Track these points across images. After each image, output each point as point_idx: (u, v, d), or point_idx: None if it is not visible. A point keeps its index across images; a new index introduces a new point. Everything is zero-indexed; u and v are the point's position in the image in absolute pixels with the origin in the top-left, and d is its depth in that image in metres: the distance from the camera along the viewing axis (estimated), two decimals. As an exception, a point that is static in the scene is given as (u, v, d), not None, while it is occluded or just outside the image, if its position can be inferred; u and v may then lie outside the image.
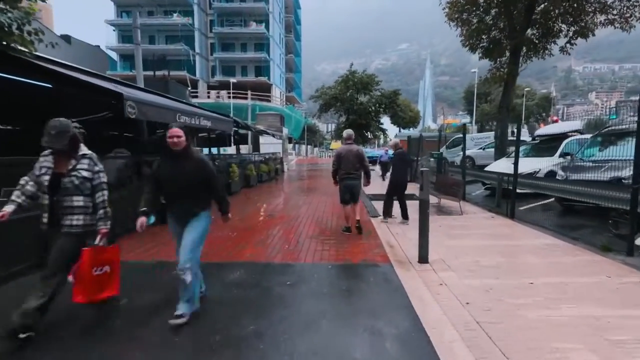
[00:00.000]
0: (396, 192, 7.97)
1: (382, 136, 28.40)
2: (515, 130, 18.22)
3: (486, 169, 11.39)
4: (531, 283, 4.17)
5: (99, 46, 52.90)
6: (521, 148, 12.39)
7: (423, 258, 4.99)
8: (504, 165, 10.54)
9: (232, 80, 40.74)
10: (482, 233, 6.74)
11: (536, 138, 12.16)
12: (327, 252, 5.62)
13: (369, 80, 24.03)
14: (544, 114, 61.47)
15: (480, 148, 18.02)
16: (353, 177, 6.72)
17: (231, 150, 18.04)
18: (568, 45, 13.51)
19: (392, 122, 56.72)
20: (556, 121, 62.35)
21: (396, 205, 8.06)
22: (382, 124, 26.94)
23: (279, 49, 59.17)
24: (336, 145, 67.64)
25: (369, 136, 26.42)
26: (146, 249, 5.69)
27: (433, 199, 10.24)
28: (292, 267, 4.93)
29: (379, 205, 9.16)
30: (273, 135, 19.81)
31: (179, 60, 51.07)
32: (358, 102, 24.67)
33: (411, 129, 67.66)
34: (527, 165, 9.52)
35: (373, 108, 24.62)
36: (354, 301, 3.83)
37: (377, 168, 18.34)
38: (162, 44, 51.73)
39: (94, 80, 5.76)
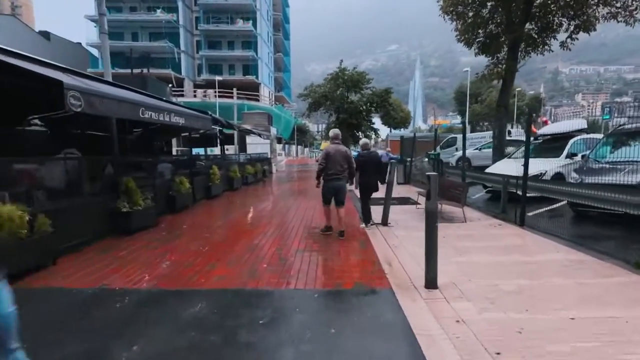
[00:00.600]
0: (368, 194, 7.52)
1: (373, 136, 27.47)
2: (512, 130, 17.53)
3: (488, 170, 10.57)
4: (572, 318, 3.28)
5: (80, 43, 51.33)
6: (521, 148, 11.67)
7: (431, 282, 4.06)
8: (506, 167, 9.72)
9: (218, 78, 39.53)
10: (493, 246, 5.85)
11: (538, 138, 11.39)
12: (314, 271, 4.69)
13: (360, 78, 23.10)
14: (534, 114, 61.29)
15: (477, 148, 17.23)
16: (339, 178, 6.50)
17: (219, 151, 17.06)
18: (569, 40, 12.76)
19: (383, 123, 56.00)
20: (546, 122, 62.27)
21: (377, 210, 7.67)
22: (373, 123, 26.03)
23: (267, 47, 58.03)
24: (326, 145, 66.12)
25: (360, 136, 25.46)
26: (93, 271, 4.69)
27: (452, 210, 9.40)
28: (269, 295, 3.97)
29: (376, 211, 8.29)
30: (260, 135, 18.80)
31: (163, 58, 49.72)
32: (348, 101, 23.76)
33: (402, 129, 67.10)
34: (532, 166, 8.70)
35: (364, 107, 23.73)
36: (345, 353, 2.89)
37: None
38: (146, 41, 50.33)
39: (28, 65, 4.72)
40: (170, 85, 17.87)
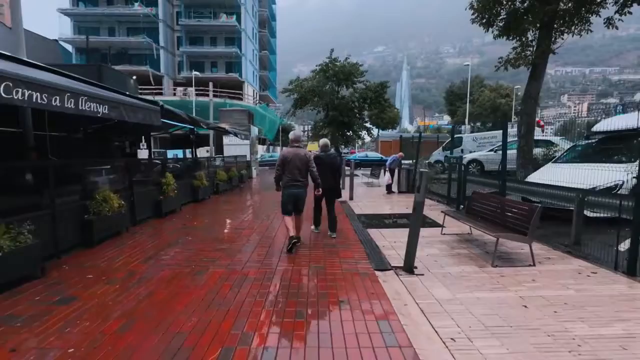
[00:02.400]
0: (326, 198, 6.89)
1: (366, 136, 24.88)
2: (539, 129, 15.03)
3: (530, 179, 8.00)
4: None
5: (57, 40, 47.93)
6: (559, 151, 9.26)
7: None
8: (557, 175, 7.18)
9: (196, 73, 36.74)
10: (627, 333, 3.22)
11: (591, 137, 8.88)
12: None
13: (352, 70, 20.44)
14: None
15: (491, 150, 14.72)
16: (299, 185, 6.02)
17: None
18: (617, 15, 10.28)
19: (371, 123, 53.41)
20: (539, 122, 60.64)
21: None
22: (366, 121, 23.35)
23: (252, 44, 55.21)
24: (313, 146, 63.89)
25: (352, 136, 22.82)
26: None
27: (460, 228, 6.79)
28: None
29: (389, 235, 5.72)
30: (235, 135, 16.02)
31: (141, 54, 46.79)
32: (339, 96, 21.13)
33: (390, 130, 64.60)
34: (597, 176, 6.16)
35: (356, 103, 21.10)
36: None
37: (385, 176, 14.66)
38: (124, 37, 47.31)
39: None
40: (133, 81, 15.08)
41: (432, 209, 9.84)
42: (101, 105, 5.55)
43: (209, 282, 4.36)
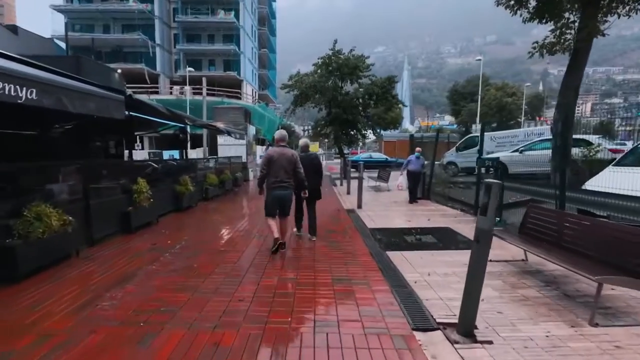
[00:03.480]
0: (307, 199, 6.64)
1: (371, 136, 23.23)
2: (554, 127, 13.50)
3: (589, 186, 6.38)
4: None
5: (52, 38, 46.45)
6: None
7: None
8: (626, 182, 5.56)
9: (190, 69, 35.18)
10: None
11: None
12: None
13: (358, 63, 18.81)
14: (534, 113, 58.10)
15: (515, 150, 13.11)
16: (285, 187, 5.76)
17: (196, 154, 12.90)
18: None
19: (373, 123, 51.68)
20: (546, 122, 59.47)
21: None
22: (371, 119, 21.66)
23: (251, 42, 53.63)
24: (313, 147, 61.76)
25: (356, 135, 21.14)
26: None
27: (506, 250, 5.21)
28: None
29: (418, 262, 4.19)
30: (229, 133, 14.43)
31: (136, 52, 45.27)
32: (343, 92, 19.49)
33: (392, 130, 62.74)
34: None
35: (361, 100, 19.47)
36: None
37: (402, 180, 12.52)
38: (119, 34, 45.89)
39: None
40: (118, 75, 13.56)
41: (460, 221, 8.25)
42: (24, 89, 3.96)
43: (216, 282, 2.78)
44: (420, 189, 12.02)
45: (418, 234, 7.03)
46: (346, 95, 19.21)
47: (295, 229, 7.01)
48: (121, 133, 14.18)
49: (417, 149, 11.49)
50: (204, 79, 20.84)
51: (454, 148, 18.37)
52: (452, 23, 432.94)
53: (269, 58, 64.84)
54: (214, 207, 10.87)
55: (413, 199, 11.58)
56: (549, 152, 9.67)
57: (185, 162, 11.77)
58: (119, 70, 17.67)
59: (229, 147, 18.90)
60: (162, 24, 46.52)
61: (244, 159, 18.91)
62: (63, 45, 46.01)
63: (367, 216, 9.01)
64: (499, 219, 7.62)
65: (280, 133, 6.15)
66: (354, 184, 15.20)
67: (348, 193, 13.68)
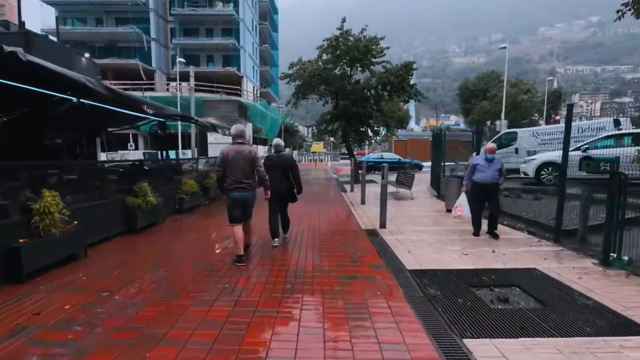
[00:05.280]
0: (283, 204, 6.38)
1: (383, 133, 20.35)
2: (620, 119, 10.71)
3: None
4: None
5: (47, 35, 44.06)
6: None
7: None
8: None
9: (181, 60, 32.55)
10: None
11: None
12: None
13: (370, 46, 16.01)
14: (550, 111, 54.98)
15: (577, 148, 10.34)
16: (244, 188, 5.27)
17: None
18: None
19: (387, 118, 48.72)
20: (554, 117, 56.43)
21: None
22: (386, 115, 18.76)
23: (252, 36, 51.03)
24: (317, 147, 58.80)
25: (366, 132, 18.30)
26: None
27: None
28: None
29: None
30: (213, 128, 11.74)
31: (130, 47, 42.82)
32: (352, 81, 16.69)
33: (399, 130, 59.63)
34: None
35: (372, 92, 16.68)
36: None
37: (463, 203, 7.21)
38: (112, 27, 43.57)
39: None
40: (87, 59, 11.02)
41: (542, 254, 5.48)
42: None
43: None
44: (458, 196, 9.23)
45: (495, 285, 4.29)
46: (356, 84, 16.39)
47: (272, 240, 6.28)
48: (83, 129, 11.65)
49: (488, 145, 7.19)
50: (191, 69, 18.04)
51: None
52: (455, 22, 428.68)
53: (271, 55, 62.24)
54: (188, 222, 8.21)
55: (478, 230, 7.01)
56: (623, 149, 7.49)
57: (155, 164, 9.09)
58: (87, 55, 15.04)
59: (221, 145, 16.21)
60: (158, 17, 44.14)
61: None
62: (53, 39, 43.70)
63: (399, 244, 6.27)
64: (614, 255, 4.87)
65: (236, 128, 5.61)
66: (370, 189, 12.51)
67: (363, 203, 10.93)
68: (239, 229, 5.26)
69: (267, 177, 5.58)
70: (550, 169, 11.17)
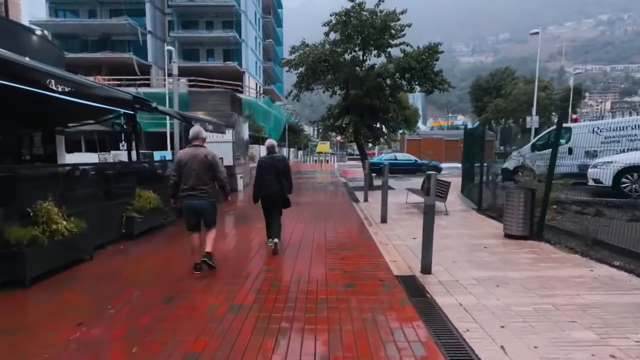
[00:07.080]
0: (269, 205, 6.04)
1: (404, 131, 17.47)
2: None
3: None
4: None
5: (43, 30, 41.79)
6: None
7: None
8: None
9: (170, 48, 29.92)
10: None
11: None
12: None
13: (389, 22, 13.21)
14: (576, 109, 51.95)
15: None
16: (199, 196, 4.82)
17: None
18: None
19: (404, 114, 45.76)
20: (576, 120, 53.15)
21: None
22: (402, 108, 15.94)
23: (254, 30, 48.45)
24: (323, 147, 55.82)
25: (381, 130, 15.50)
26: None
27: None
28: None
29: None
30: (187, 122, 9.08)
31: (124, 40, 40.47)
32: (366, 66, 13.89)
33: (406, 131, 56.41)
34: None
35: (389, 81, 13.92)
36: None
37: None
38: (106, 19, 41.24)
39: None
40: (39, 36, 8.45)
41: None
42: None
43: None
44: (523, 219, 6.46)
45: None
46: (370, 70, 13.56)
47: (266, 240, 6.26)
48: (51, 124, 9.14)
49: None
50: (174, 65, 15.36)
51: (528, 146, 12.82)
52: (462, 21, 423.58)
53: (275, 50, 59.46)
54: (135, 257, 5.51)
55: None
56: None
57: (95, 169, 6.40)
58: (41, 30, 12.41)
59: (210, 145, 13.50)
60: (154, 8, 41.75)
61: (229, 162, 13.57)
62: (44, 31, 41.35)
63: (468, 316, 3.51)
64: None
65: (193, 130, 5.14)
66: (392, 200, 9.72)
67: (384, 221, 8.12)
68: (195, 237, 5.07)
69: (227, 184, 5.21)
70: (636, 175, 8.41)
